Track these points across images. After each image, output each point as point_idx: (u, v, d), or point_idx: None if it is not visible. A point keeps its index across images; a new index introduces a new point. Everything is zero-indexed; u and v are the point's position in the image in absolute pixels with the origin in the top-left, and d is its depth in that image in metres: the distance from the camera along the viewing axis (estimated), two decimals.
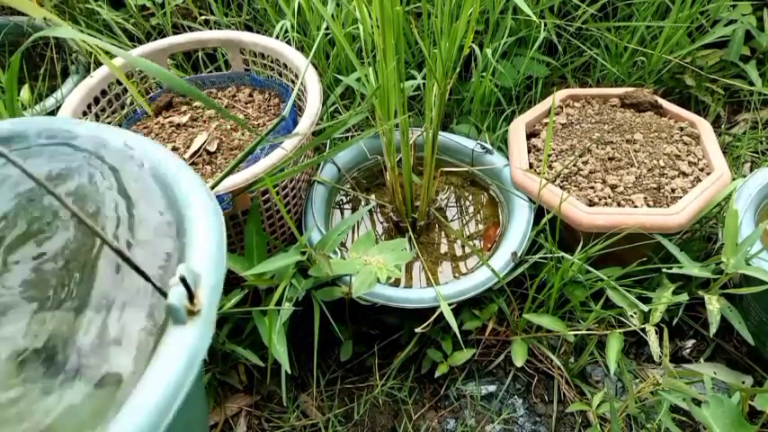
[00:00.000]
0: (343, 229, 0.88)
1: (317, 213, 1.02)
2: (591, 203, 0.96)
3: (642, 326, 0.86)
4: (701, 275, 0.86)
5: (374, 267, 0.80)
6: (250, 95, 1.12)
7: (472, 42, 1.21)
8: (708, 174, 1.00)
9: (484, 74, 1.23)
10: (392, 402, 0.98)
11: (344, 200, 1.12)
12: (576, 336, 0.96)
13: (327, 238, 0.88)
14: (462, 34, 0.85)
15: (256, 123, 1.07)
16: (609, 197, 0.97)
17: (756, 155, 1.28)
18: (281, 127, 1.05)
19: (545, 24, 1.27)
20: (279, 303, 0.82)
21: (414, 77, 1.23)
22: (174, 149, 1.02)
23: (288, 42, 1.16)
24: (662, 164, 1.02)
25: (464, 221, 1.09)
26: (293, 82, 1.07)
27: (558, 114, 1.14)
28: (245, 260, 0.85)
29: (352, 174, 1.14)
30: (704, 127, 1.08)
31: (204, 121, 1.07)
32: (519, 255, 0.96)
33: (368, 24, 0.87)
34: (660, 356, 0.82)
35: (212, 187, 0.78)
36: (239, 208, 0.88)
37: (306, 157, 1.01)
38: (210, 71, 1.22)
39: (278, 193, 0.94)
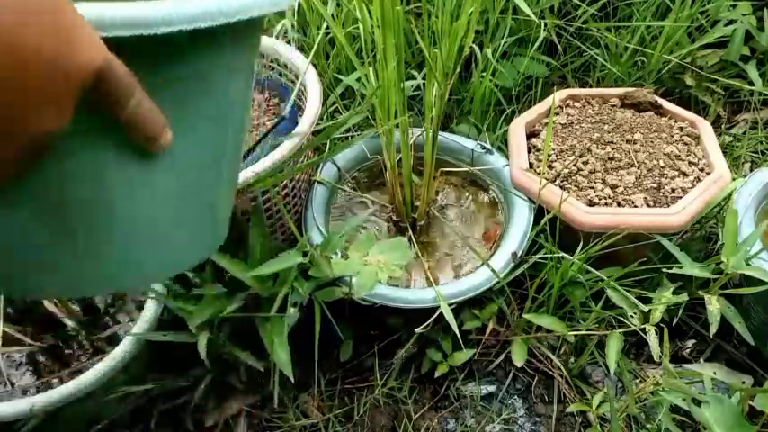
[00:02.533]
0: (345, 231, 0.88)
1: (317, 214, 1.02)
2: (591, 203, 0.96)
3: (642, 326, 0.86)
4: (701, 275, 0.86)
5: (375, 268, 0.80)
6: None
7: (472, 42, 1.21)
8: (708, 174, 1.00)
9: (484, 74, 1.23)
10: (392, 402, 0.98)
11: (345, 200, 1.12)
12: (575, 336, 0.96)
13: (329, 240, 0.88)
14: (462, 34, 0.85)
15: (256, 123, 1.07)
16: (609, 197, 0.97)
17: (756, 155, 1.28)
18: (282, 127, 1.05)
19: (545, 24, 1.27)
20: (281, 309, 0.82)
21: (414, 77, 1.23)
22: None
23: (288, 42, 1.16)
24: (662, 164, 1.02)
25: (464, 221, 1.09)
26: (293, 82, 1.07)
27: (557, 114, 1.14)
28: (246, 265, 0.85)
29: (352, 174, 1.14)
30: (704, 127, 1.07)
31: None
32: (519, 255, 0.96)
33: (368, 24, 0.87)
34: (660, 356, 0.82)
35: None
36: (239, 208, 0.88)
37: (306, 156, 1.01)
38: None
39: (278, 193, 0.94)
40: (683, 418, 0.90)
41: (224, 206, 0.49)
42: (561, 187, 1.00)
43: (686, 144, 1.06)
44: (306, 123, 0.91)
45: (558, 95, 1.17)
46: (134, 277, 0.43)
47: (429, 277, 0.99)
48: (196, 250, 0.47)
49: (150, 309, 0.87)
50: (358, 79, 1.18)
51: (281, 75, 1.09)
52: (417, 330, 0.89)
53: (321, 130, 1.13)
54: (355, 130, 1.22)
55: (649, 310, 0.86)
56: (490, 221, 1.08)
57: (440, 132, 1.02)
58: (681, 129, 1.09)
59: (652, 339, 0.84)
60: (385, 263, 0.80)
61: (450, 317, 0.85)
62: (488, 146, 1.13)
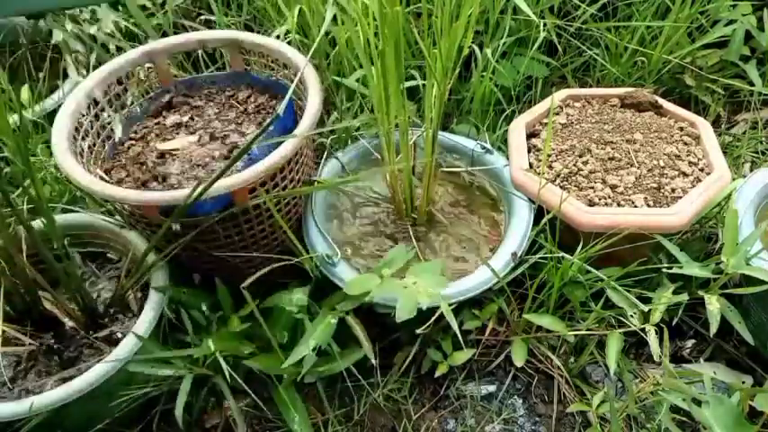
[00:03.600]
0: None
1: (317, 215, 1.02)
2: (591, 203, 0.96)
3: (642, 326, 0.86)
4: (701, 275, 0.86)
5: (414, 292, 0.80)
6: (250, 95, 1.12)
7: (472, 42, 1.21)
8: (708, 174, 1.00)
9: (484, 74, 1.23)
10: (392, 402, 0.98)
11: (344, 199, 1.12)
12: (575, 336, 0.96)
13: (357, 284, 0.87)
14: (462, 34, 0.85)
15: (256, 123, 1.07)
16: (609, 197, 0.97)
17: (756, 155, 1.28)
18: (282, 127, 1.05)
19: (545, 24, 1.27)
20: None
21: (414, 77, 1.23)
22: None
23: (288, 43, 1.16)
24: (662, 164, 1.02)
25: (464, 221, 1.09)
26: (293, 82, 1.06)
27: (557, 114, 1.14)
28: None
29: (354, 171, 1.14)
30: (704, 127, 1.07)
31: (205, 120, 1.07)
32: (519, 255, 0.96)
33: (366, 24, 0.87)
34: (660, 356, 0.82)
35: (205, 189, 0.78)
36: (239, 208, 0.88)
37: (305, 157, 1.01)
38: (211, 71, 1.22)
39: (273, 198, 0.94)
40: (683, 418, 0.90)
41: None
42: (561, 187, 1.00)
43: (686, 144, 1.06)
44: (306, 123, 0.91)
45: (558, 95, 1.17)
46: None
47: None
48: None
49: (148, 314, 0.87)
50: (357, 80, 1.18)
51: (281, 75, 1.09)
52: (418, 331, 0.89)
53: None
54: (357, 130, 1.22)
55: (649, 310, 0.86)
56: (490, 221, 1.08)
57: (440, 132, 1.02)
58: (681, 129, 1.09)
59: (652, 339, 0.84)
60: (423, 287, 0.81)
61: (450, 317, 0.85)
62: (488, 146, 1.13)
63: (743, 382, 0.95)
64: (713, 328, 0.81)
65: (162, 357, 0.87)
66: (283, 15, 1.26)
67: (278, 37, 1.19)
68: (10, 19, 1.39)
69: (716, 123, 1.36)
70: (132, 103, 1.07)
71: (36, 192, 0.80)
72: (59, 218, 0.98)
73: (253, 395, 0.97)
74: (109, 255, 1.01)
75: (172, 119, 1.08)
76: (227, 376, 0.84)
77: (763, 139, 1.30)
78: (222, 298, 0.94)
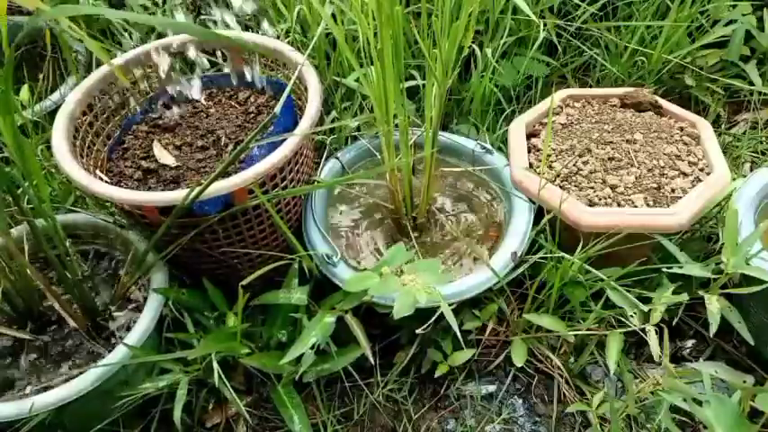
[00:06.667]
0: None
1: (317, 215, 1.02)
2: (591, 203, 0.96)
3: (642, 326, 0.86)
4: (701, 275, 0.86)
5: (413, 290, 0.80)
6: (250, 96, 1.12)
7: (472, 42, 1.21)
8: (708, 174, 1.00)
9: (484, 74, 1.23)
10: (392, 402, 0.98)
11: (344, 198, 1.12)
12: (576, 336, 0.96)
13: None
14: (462, 34, 0.85)
15: (255, 123, 1.06)
16: (609, 197, 0.97)
17: (756, 155, 1.28)
18: (282, 128, 1.05)
19: (545, 24, 1.27)
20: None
21: (414, 77, 1.23)
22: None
23: (289, 43, 1.16)
24: (662, 164, 1.02)
25: (464, 221, 1.09)
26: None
27: (557, 114, 1.14)
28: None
29: (354, 171, 1.14)
30: (704, 127, 1.07)
31: (205, 120, 1.07)
32: (519, 255, 0.96)
33: (365, 24, 0.87)
34: (660, 356, 0.82)
35: (203, 189, 0.78)
36: (239, 208, 0.88)
37: (305, 157, 1.01)
38: (211, 71, 1.22)
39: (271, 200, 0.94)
40: (683, 418, 0.90)
41: None
42: (561, 187, 1.00)
43: (686, 144, 1.06)
44: (306, 123, 0.91)
45: (558, 95, 1.17)
46: None
47: None
48: None
49: (146, 317, 0.87)
50: (357, 79, 1.18)
51: (281, 76, 1.09)
52: (418, 332, 0.89)
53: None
54: (357, 130, 1.22)
55: (649, 310, 0.86)
56: (490, 221, 1.08)
57: (440, 132, 1.02)
58: (681, 129, 1.09)
59: (652, 339, 0.84)
60: (422, 284, 0.80)
61: (450, 317, 0.85)
62: (488, 146, 1.13)
63: (744, 382, 0.95)
64: (713, 328, 0.81)
65: (157, 360, 0.87)
66: (283, 16, 1.26)
67: (278, 37, 1.19)
68: (10, 18, 1.39)
69: (716, 123, 1.36)
70: (132, 103, 1.07)
71: (37, 193, 0.79)
72: (59, 218, 0.98)
73: (252, 395, 0.97)
74: (109, 255, 1.01)
75: (172, 119, 1.08)
76: (222, 377, 0.84)
77: (763, 139, 1.30)
78: (215, 299, 0.94)
